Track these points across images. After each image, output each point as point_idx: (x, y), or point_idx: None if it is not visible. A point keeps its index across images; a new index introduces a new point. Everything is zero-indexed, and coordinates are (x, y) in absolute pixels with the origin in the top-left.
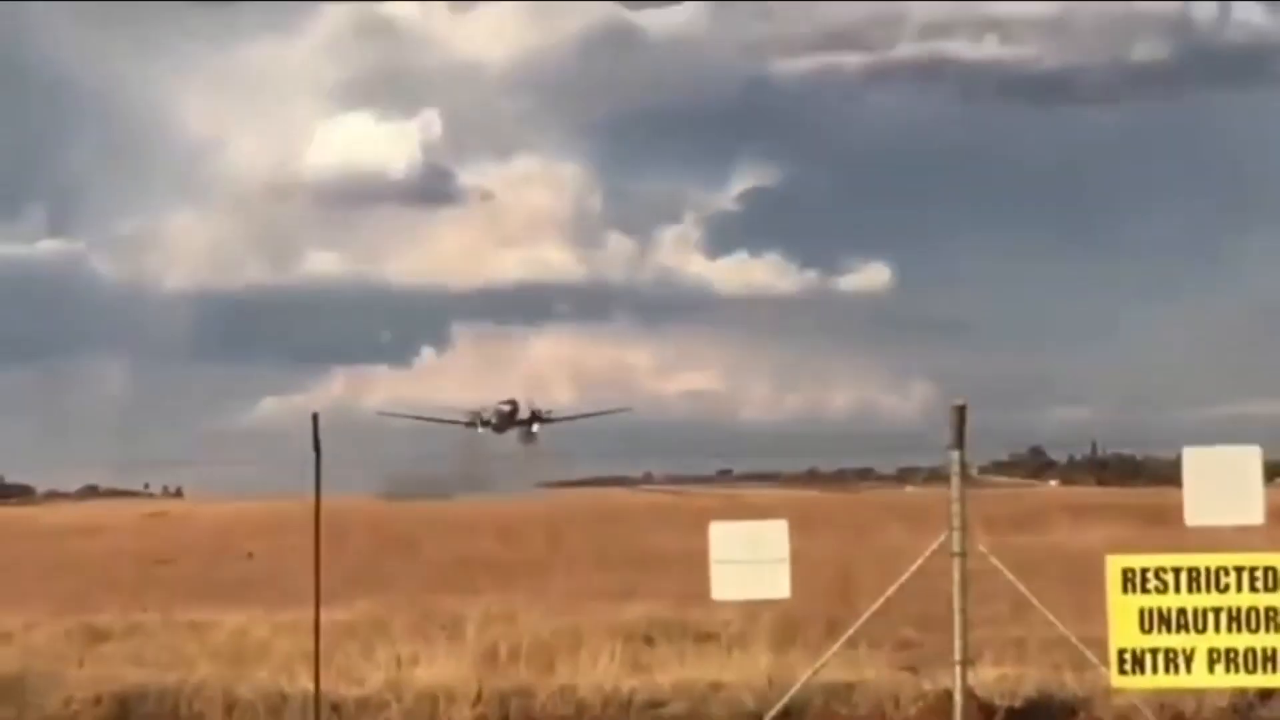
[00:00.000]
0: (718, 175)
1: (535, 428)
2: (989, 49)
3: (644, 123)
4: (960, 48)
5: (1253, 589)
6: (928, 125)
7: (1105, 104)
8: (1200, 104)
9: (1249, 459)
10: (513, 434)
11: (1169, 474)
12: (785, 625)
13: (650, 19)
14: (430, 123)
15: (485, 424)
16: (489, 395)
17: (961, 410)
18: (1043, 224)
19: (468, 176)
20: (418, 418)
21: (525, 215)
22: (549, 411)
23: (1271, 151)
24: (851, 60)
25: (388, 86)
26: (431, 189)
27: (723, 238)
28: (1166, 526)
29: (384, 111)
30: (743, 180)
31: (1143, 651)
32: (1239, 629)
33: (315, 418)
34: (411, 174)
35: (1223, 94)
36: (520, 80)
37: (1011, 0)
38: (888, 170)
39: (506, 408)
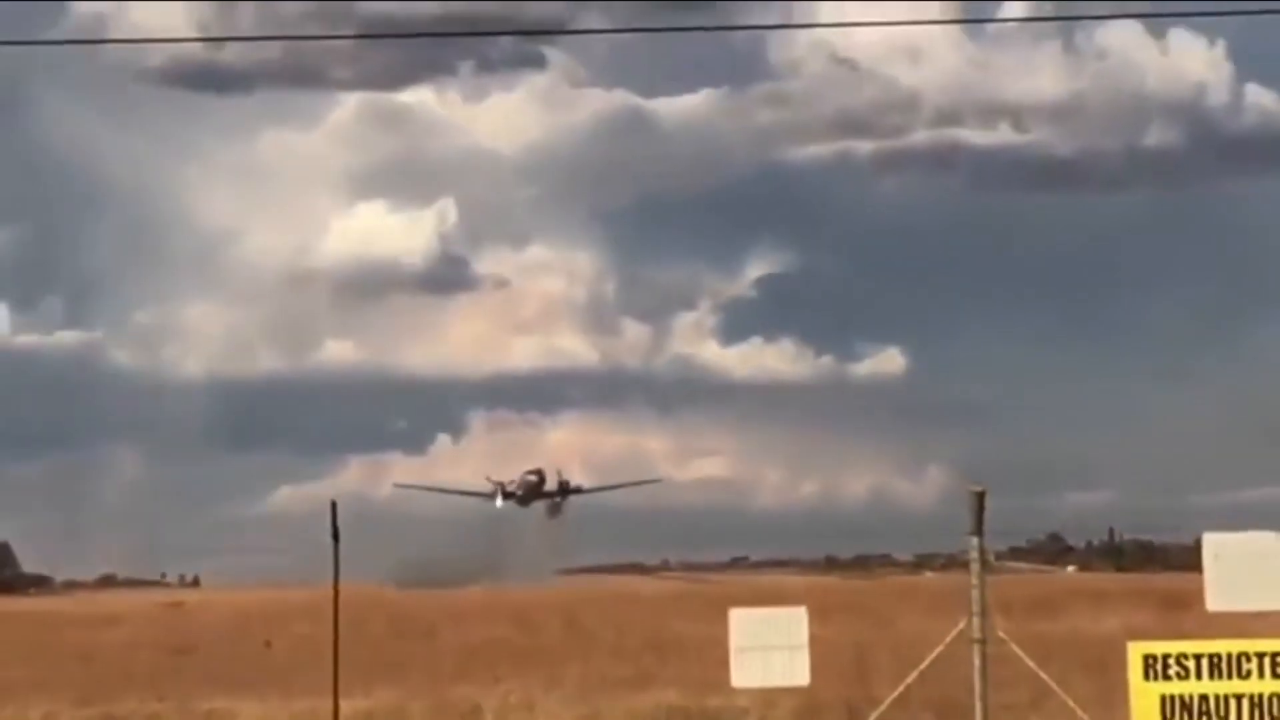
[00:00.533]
0: (732, 262)
1: (562, 500)
2: (1001, 135)
3: (658, 210)
4: (973, 134)
5: (1275, 675)
6: (941, 211)
7: (1118, 190)
8: (1213, 190)
9: (1270, 544)
10: (538, 508)
11: (1187, 560)
12: (805, 712)
13: (663, 106)
14: (445, 211)
15: (509, 496)
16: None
17: (980, 496)
18: (1057, 309)
19: (483, 264)
20: (436, 489)
21: (540, 302)
22: (577, 485)
23: None
24: (864, 146)
25: (403, 175)
26: (447, 277)
27: (737, 324)
28: (1186, 612)
29: (399, 200)
30: (757, 266)
31: None
32: (1262, 715)
33: (334, 506)
34: (427, 262)
35: (1236, 180)
36: (534, 168)
37: (1023, 87)
38: (902, 256)
39: (533, 478)
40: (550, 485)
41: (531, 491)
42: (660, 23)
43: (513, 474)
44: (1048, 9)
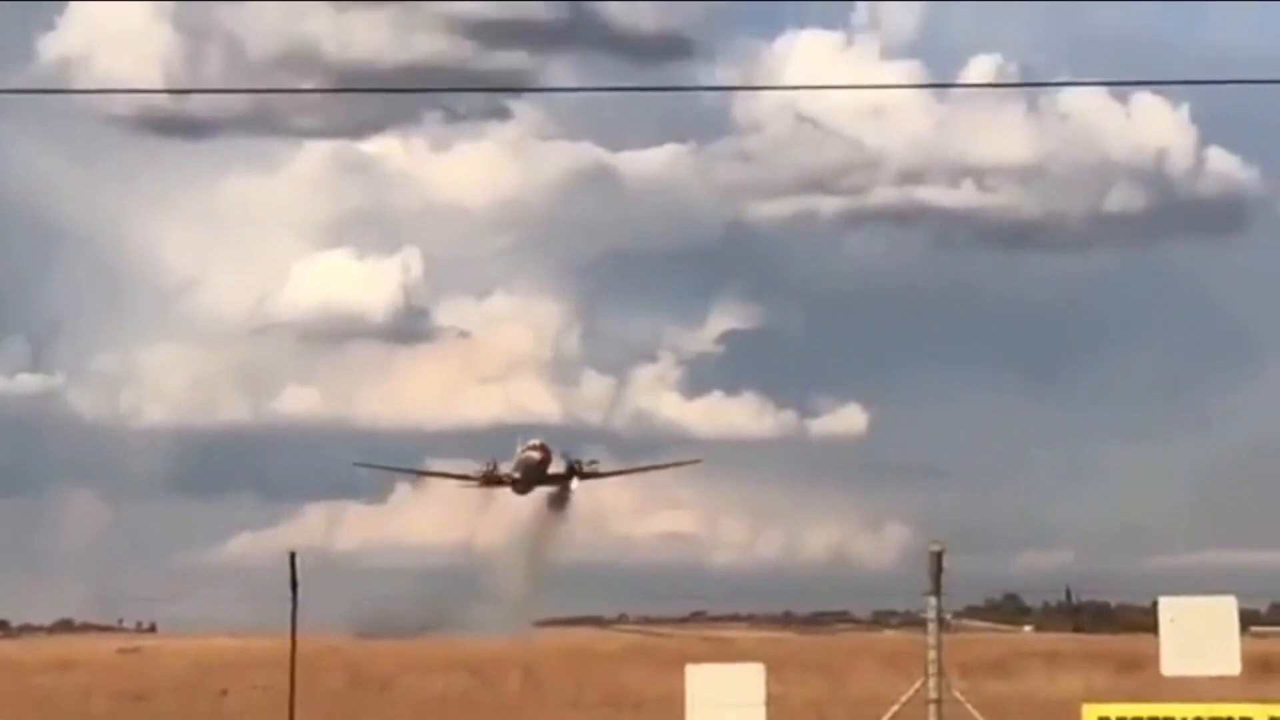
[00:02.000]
0: (695, 317)
1: (574, 484)
2: (965, 195)
3: (622, 264)
4: (936, 194)
5: None
6: (904, 270)
7: (1081, 251)
8: (1173, 252)
9: (1225, 609)
10: (538, 495)
11: (1144, 621)
12: None
13: (628, 161)
14: (409, 261)
15: (499, 481)
16: (463, 534)
17: (938, 556)
18: (1018, 368)
19: (445, 315)
20: (408, 470)
21: (502, 354)
22: (592, 462)
23: (1243, 300)
24: (828, 204)
25: (367, 225)
26: (409, 327)
27: (700, 379)
28: (1141, 674)
29: (363, 250)
30: (720, 322)
31: None
32: None
33: (292, 557)
34: (389, 312)
35: (1195, 242)
36: (499, 220)
37: (987, 148)
38: (864, 313)
39: (535, 455)
40: (556, 467)
41: (533, 472)
42: (628, 78)
43: (468, 529)
44: (1012, 71)
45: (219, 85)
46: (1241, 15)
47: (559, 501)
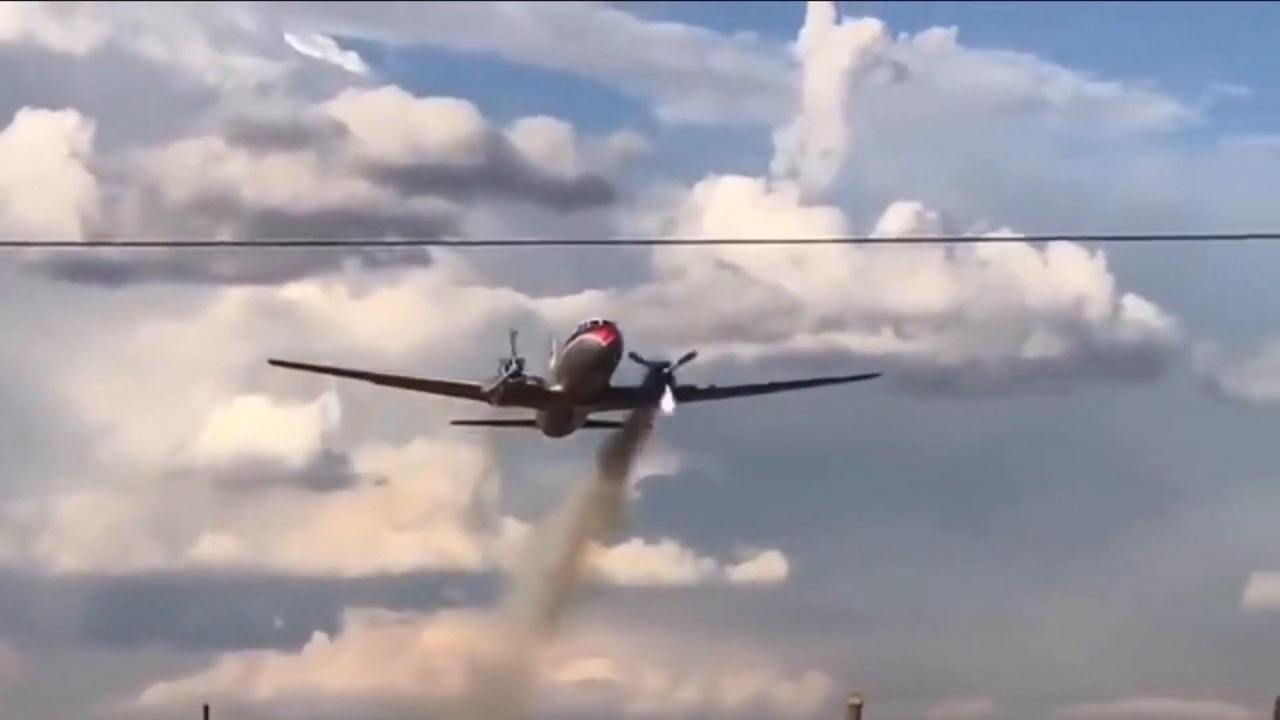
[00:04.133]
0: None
1: (668, 405)
2: (884, 342)
3: None
4: (856, 341)
5: None
6: (823, 417)
7: (999, 398)
8: (1091, 399)
9: None
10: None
11: None
12: None
13: (549, 307)
14: (328, 408)
15: (528, 394)
16: (379, 682)
17: (857, 710)
18: (938, 516)
19: (364, 462)
20: (322, 370)
21: (421, 501)
22: (689, 357)
23: (1161, 447)
24: (748, 351)
25: (284, 371)
26: (327, 474)
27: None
28: None
29: (281, 396)
30: (639, 469)
31: None
32: None
33: (206, 710)
34: (307, 459)
35: (1114, 390)
36: (419, 365)
37: (906, 295)
38: (784, 460)
39: (598, 341)
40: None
41: (590, 374)
42: (548, 224)
43: (384, 678)
44: (931, 219)
45: (136, 230)
46: (1156, 166)
47: (623, 453)
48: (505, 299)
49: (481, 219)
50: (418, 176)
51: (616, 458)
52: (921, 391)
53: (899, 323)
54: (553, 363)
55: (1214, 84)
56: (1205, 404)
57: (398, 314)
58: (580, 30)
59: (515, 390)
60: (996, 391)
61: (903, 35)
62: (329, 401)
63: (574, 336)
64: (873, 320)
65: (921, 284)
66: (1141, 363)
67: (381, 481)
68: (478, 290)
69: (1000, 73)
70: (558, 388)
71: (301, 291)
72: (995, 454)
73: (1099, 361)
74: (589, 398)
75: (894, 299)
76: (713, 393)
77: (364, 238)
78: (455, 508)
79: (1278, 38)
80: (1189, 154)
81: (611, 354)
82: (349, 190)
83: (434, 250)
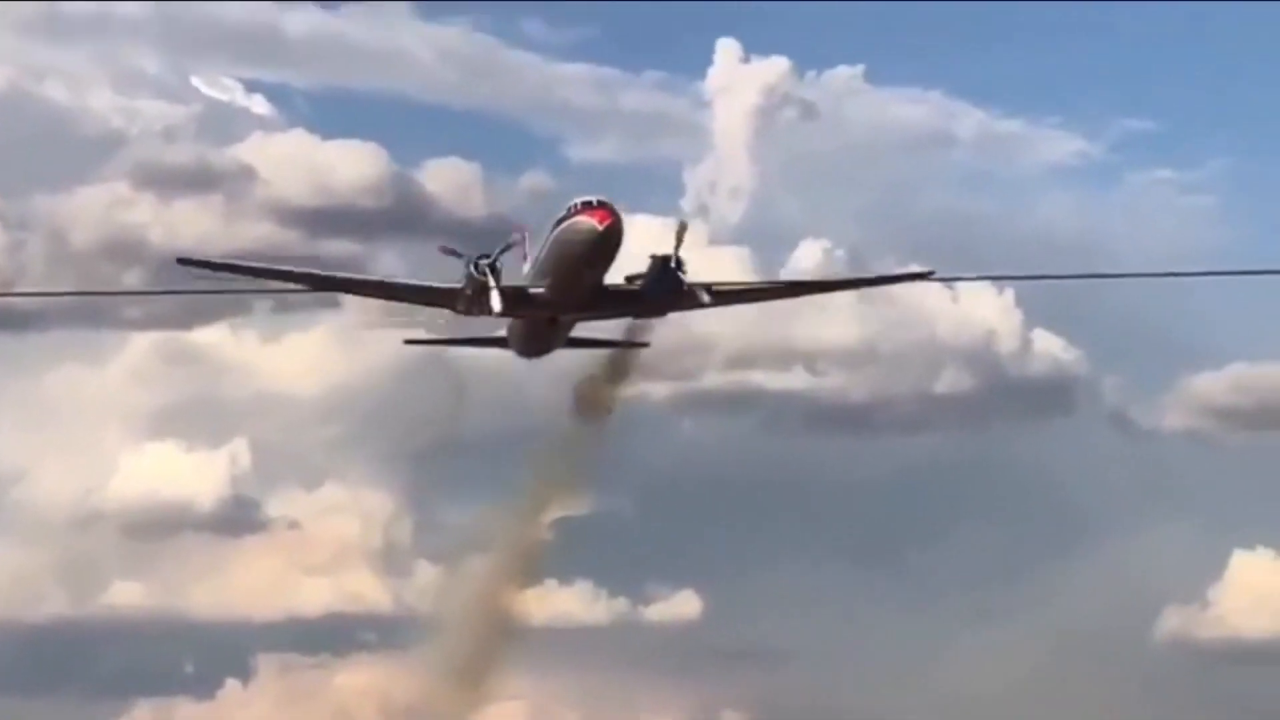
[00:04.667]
0: (528, 504)
1: (705, 297)
2: (796, 379)
3: (454, 451)
4: (767, 378)
5: None
6: (736, 454)
7: (912, 434)
8: (1003, 433)
9: None
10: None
11: None
12: None
13: (461, 349)
14: (238, 452)
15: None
16: None
17: None
18: (853, 552)
19: (275, 506)
20: (245, 270)
21: (333, 545)
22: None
23: (1073, 480)
24: (660, 389)
25: (195, 416)
26: (238, 518)
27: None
28: None
29: (191, 441)
30: (553, 508)
31: None
32: None
33: None
34: (218, 503)
35: (1025, 424)
36: (330, 409)
37: (817, 331)
38: (697, 498)
39: (593, 226)
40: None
41: (595, 258)
42: (456, 266)
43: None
44: (840, 256)
45: (43, 277)
46: (1062, 200)
47: (610, 378)
48: None
49: (390, 260)
50: (326, 218)
51: (602, 385)
52: (834, 428)
53: (810, 359)
54: (527, 267)
55: (1118, 120)
56: (1115, 437)
57: (308, 357)
58: (489, 70)
59: (483, 290)
60: (909, 427)
61: (810, 73)
62: (239, 446)
63: (560, 221)
64: (784, 357)
65: (832, 320)
66: (1052, 396)
67: (293, 525)
68: (389, 332)
69: (907, 109)
70: (539, 289)
71: (210, 336)
72: (909, 490)
73: (1010, 395)
74: (578, 302)
75: (805, 335)
76: (740, 294)
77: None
78: (367, 550)
79: (1180, 74)
80: (1094, 189)
81: (610, 240)
82: (257, 233)
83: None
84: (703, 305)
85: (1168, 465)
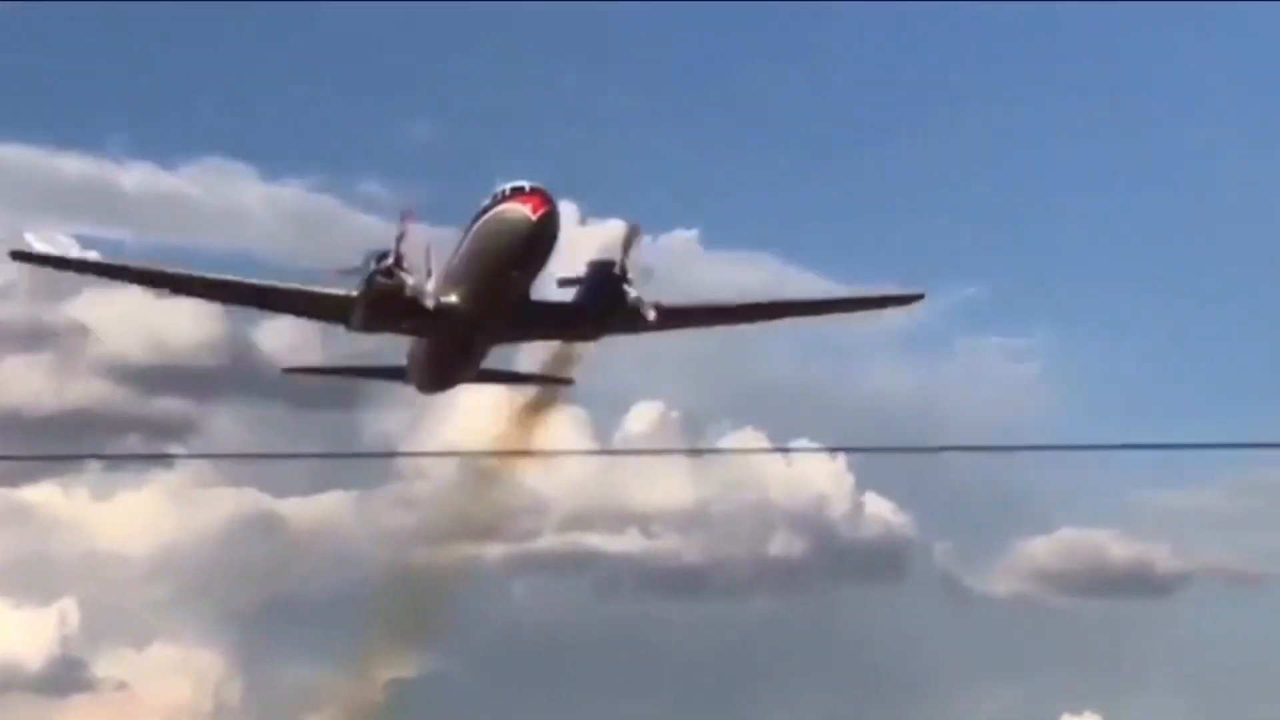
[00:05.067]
0: (361, 665)
1: (649, 313)
2: (630, 541)
3: (286, 611)
4: (601, 540)
5: None
6: (569, 616)
7: (744, 597)
8: (835, 596)
9: None
10: None
11: None
12: None
13: (293, 507)
14: (66, 611)
15: (416, 309)
16: None
17: None
18: (685, 714)
19: (104, 666)
20: (87, 267)
21: (162, 706)
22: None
23: (905, 645)
24: (494, 551)
25: (23, 574)
26: (65, 678)
27: None
28: None
29: (18, 599)
30: (386, 670)
31: None
32: None
33: None
34: (45, 663)
35: (857, 588)
36: (161, 567)
37: (650, 494)
38: (530, 660)
39: (527, 214)
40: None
41: (386, 299)
42: (291, 423)
43: None
44: (674, 419)
45: None
46: (895, 366)
47: (532, 417)
48: (249, 499)
49: (223, 420)
50: (159, 375)
51: (523, 428)
52: (667, 591)
53: (644, 521)
54: (432, 281)
55: (951, 286)
56: (947, 600)
57: (140, 515)
58: (328, 228)
59: (387, 297)
60: (742, 590)
61: (646, 237)
62: (68, 605)
63: (483, 211)
64: (618, 519)
65: (666, 483)
66: (884, 560)
67: (121, 686)
68: (221, 490)
69: (741, 272)
70: (452, 298)
71: (41, 493)
72: (742, 653)
73: (842, 559)
74: (499, 315)
75: (639, 498)
76: (689, 315)
77: (104, 438)
78: (197, 712)
79: (1012, 240)
80: (927, 354)
81: (544, 233)
82: (89, 390)
83: (177, 450)
84: (647, 326)
85: (998, 629)
